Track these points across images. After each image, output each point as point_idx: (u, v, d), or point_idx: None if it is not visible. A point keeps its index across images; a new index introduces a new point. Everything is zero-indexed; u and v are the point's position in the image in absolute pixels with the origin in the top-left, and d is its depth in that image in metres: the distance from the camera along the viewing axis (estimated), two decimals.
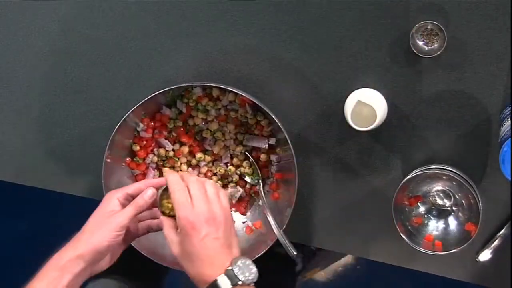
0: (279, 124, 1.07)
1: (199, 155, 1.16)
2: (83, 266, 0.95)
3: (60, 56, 1.18)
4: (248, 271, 0.88)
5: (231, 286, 0.87)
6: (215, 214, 0.91)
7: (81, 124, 1.21)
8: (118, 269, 1.32)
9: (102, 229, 0.96)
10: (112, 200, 0.99)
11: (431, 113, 1.10)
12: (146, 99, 1.07)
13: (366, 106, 1.05)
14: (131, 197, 1.00)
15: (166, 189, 0.96)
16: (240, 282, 0.87)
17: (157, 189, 0.99)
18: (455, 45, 1.06)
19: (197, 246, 0.89)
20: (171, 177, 0.94)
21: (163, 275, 1.56)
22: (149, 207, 0.99)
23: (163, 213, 0.97)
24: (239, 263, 0.88)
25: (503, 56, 1.06)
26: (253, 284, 0.89)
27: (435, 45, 1.06)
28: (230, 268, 0.88)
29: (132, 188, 1.00)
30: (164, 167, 1.17)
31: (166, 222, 0.94)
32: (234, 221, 1.08)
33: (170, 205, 0.96)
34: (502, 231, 1.12)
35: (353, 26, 1.09)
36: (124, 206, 0.98)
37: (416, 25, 1.05)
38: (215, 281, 0.87)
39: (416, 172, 1.08)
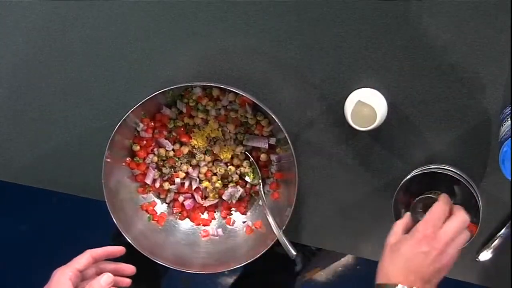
0: (279, 124, 1.07)
1: (199, 155, 1.16)
2: None
3: (60, 56, 1.18)
4: None
5: None
6: (443, 254, 0.92)
7: (81, 124, 1.21)
8: None
9: None
10: (63, 281, 0.96)
11: (431, 113, 1.10)
12: (146, 99, 1.07)
13: (366, 106, 1.05)
14: (81, 272, 0.99)
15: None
16: None
17: (96, 259, 1.01)
18: (455, 45, 1.06)
19: (409, 252, 0.92)
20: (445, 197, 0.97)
21: (163, 275, 1.56)
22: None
23: None
24: None
25: (503, 56, 1.06)
26: None
27: None
28: None
29: (81, 263, 0.99)
30: (164, 167, 1.17)
31: (401, 222, 0.97)
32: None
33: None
34: (502, 231, 1.12)
35: (353, 26, 1.09)
36: (75, 283, 0.97)
37: None
38: (396, 285, 0.91)
39: (416, 172, 1.07)
